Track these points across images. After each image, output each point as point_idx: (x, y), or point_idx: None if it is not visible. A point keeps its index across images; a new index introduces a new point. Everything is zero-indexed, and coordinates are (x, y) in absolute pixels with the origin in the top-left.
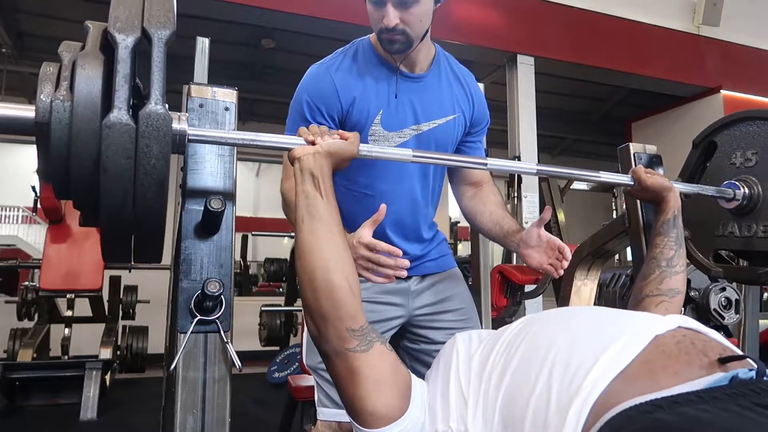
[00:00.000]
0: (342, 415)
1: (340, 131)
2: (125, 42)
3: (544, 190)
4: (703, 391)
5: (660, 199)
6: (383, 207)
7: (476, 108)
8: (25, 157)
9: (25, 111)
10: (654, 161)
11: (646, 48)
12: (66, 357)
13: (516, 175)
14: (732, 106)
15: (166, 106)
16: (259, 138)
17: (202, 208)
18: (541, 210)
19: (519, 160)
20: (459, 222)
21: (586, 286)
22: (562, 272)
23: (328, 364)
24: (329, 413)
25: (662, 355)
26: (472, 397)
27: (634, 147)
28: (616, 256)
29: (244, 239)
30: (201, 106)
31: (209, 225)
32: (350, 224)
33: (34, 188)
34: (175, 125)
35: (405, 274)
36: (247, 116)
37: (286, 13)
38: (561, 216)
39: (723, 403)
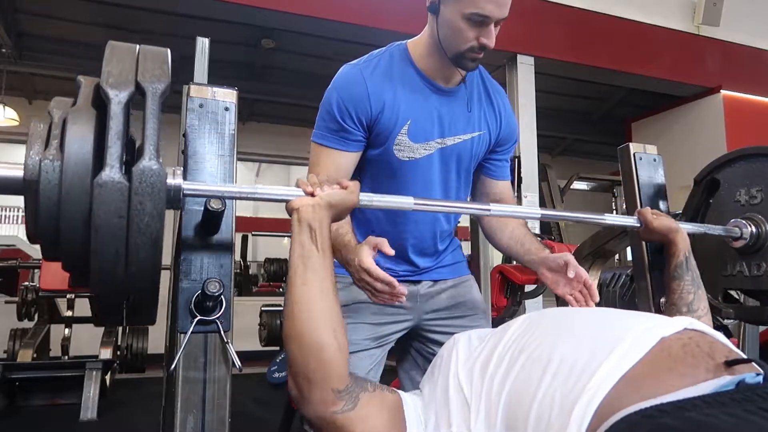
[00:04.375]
0: None
1: (339, 180)
2: (118, 97)
3: (544, 190)
4: (710, 396)
5: (668, 241)
6: (387, 246)
7: (503, 127)
8: None
9: (13, 170)
10: (654, 161)
11: (646, 48)
12: (66, 357)
13: (516, 175)
14: (732, 106)
15: (161, 161)
16: (257, 191)
17: (202, 208)
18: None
19: (519, 160)
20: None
21: None
22: None
23: (313, 428)
24: None
25: (668, 357)
26: (475, 399)
27: (634, 147)
28: (616, 256)
29: (244, 239)
30: (201, 106)
31: (209, 225)
32: (370, 227)
33: None
34: (170, 180)
35: (403, 300)
36: (247, 116)
37: (286, 13)
38: None
39: (729, 408)
